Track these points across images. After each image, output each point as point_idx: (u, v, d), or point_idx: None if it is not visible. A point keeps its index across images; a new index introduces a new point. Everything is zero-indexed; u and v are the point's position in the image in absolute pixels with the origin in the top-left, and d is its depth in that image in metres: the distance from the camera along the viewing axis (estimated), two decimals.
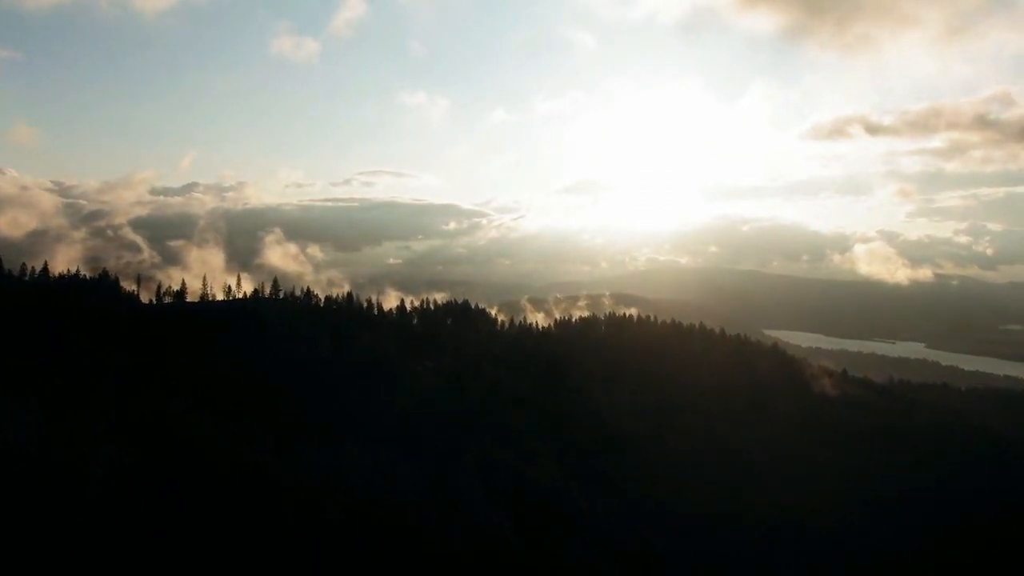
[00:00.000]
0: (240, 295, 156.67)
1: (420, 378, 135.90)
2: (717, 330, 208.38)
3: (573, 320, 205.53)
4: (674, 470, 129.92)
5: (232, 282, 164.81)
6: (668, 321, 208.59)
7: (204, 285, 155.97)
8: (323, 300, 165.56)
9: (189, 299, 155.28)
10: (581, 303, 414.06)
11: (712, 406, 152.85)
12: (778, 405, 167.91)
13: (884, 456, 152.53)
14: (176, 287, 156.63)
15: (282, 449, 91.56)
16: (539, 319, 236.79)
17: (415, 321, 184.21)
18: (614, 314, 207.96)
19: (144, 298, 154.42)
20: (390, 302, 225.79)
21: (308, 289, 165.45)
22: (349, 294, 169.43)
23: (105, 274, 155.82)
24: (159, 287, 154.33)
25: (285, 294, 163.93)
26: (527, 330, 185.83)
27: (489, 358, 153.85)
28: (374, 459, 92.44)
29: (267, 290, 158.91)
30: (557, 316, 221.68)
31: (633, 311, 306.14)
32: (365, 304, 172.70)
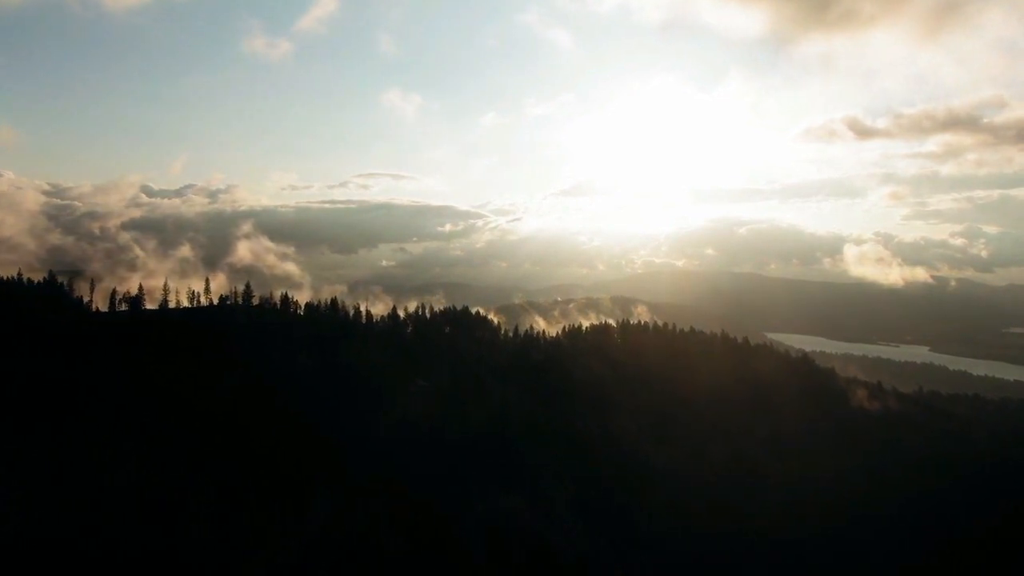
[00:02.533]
0: (206, 301, 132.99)
1: (413, 399, 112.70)
2: (739, 339, 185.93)
3: (583, 328, 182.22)
4: (711, 504, 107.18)
5: (209, 286, 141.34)
6: (686, 329, 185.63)
7: (165, 291, 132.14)
8: (303, 307, 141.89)
9: (150, 306, 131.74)
10: (585, 308, 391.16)
11: (749, 426, 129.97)
12: (819, 423, 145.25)
13: (949, 484, 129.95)
14: (155, 293, 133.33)
15: (227, 506, 68.58)
16: (544, 326, 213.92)
17: (409, 329, 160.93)
18: (628, 322, 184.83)
19: (97, 305, 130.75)
20: (383, 308, 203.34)
21: (286, 294, 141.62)
22: (333, 300, 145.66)
23: (52, 278, 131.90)
24: (113, 293, 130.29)
25: (264, 300, 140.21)
26: (534, 340, 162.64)
27: (493, 373, 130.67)
28: (347, 519, 69.34)
29: (240, 296, 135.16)
30: (564, 324, 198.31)
31: (645, 317, 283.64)
32: (352, 311, 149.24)
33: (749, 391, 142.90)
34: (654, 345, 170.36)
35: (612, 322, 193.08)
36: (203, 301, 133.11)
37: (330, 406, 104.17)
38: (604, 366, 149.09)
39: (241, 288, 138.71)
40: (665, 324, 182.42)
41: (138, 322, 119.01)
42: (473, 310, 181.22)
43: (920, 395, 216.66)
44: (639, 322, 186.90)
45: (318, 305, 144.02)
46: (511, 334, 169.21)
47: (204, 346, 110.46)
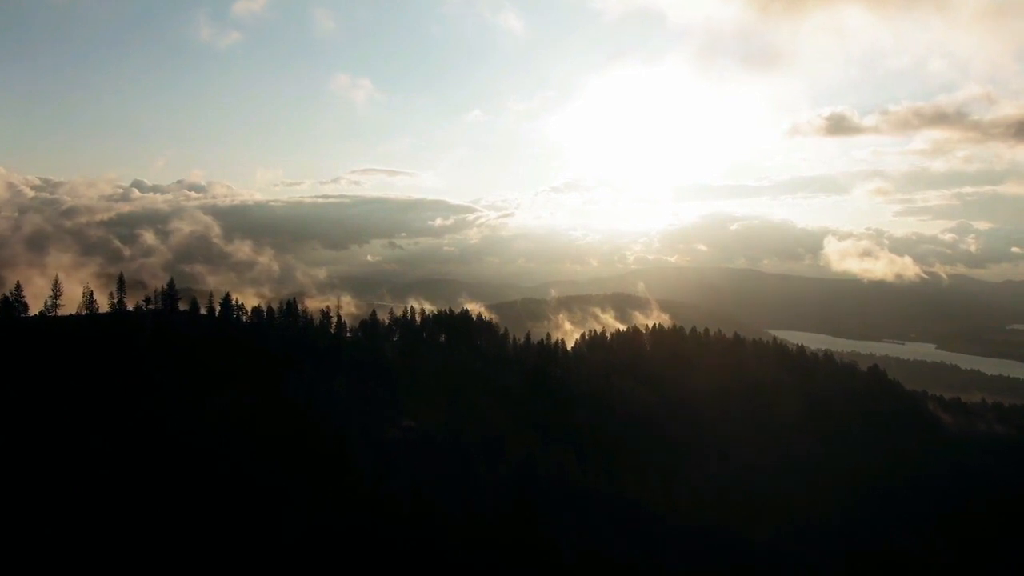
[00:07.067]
0: (110, 306, 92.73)
1: (395, 453, 73.61)
2: (793, 347, 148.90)
3: (606, 335, 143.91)
4: None
5: (124, 285, 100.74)
6: (729, 335, 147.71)
7: (55, 292, 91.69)
8: (250, 312, 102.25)
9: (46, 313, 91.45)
10: (586, 305, 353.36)
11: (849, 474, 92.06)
12: (917, 456, 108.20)
13: None
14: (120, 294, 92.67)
15: None
16: (550, 329, 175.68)
17: (396, 338, 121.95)
18: (659, 327, 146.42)
19: None
20: (367, 309, 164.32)
21: (228, 296, 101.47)
22: (290, 303, 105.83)
23: None
24: None
25: (194, 304, 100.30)
26: (550, 351, 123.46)
27: (505, 406, 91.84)
28: None
29: (157, 298, 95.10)
30: (580, 332, 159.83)
31: (654, 318, 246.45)
32: (320, 317, 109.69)
33: (842, 422, 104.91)
34: (694, 356, 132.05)
35: (638, 326, 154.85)
36: (103, 307, 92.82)
37: (264, 472, 64.87)
38: (645, 388, 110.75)
39: (167, 288, 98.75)
40: (707, 330, 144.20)
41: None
42: (474, 312, 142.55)
43: (986, 407, 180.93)
44: (674, 326, 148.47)
45: (270, 311, 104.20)
46: (519, 340, 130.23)
47: (81, 370, 70.68)
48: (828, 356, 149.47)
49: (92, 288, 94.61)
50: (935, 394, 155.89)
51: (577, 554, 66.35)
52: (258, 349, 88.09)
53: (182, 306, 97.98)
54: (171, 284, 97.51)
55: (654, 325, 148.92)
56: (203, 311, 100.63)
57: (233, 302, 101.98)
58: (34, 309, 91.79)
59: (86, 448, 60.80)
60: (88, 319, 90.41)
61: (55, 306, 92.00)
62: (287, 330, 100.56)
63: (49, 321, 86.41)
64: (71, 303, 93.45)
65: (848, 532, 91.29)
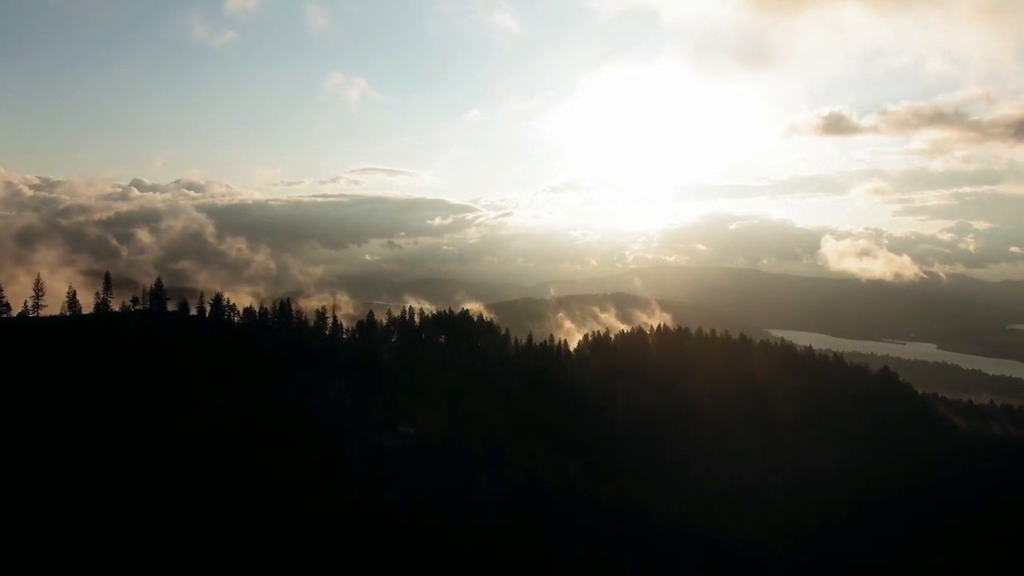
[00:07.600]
0: (95, 306, 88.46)
1: (390, 460, 69.62)
2: (800, 347, 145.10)
3: (609, 336, 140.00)
4: None
5: (110, 284, 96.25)
6: (730, 334, 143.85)
7: (37, 292, 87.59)
8: (242, 313, 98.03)
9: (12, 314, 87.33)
10: (586, 305, 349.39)
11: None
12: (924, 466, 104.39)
13: None
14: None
15: None
16: (557, 333, 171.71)
17: (394, 339, 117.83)
18: (664, 328, 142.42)
19: None
20: (360, 310, 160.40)
21: (219, 296, 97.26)
22: (284, 303, 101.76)
23: None
24: None
25: (183, 305, 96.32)
26: (552, 353, 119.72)
27: (506, 409, 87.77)
28: None
29: (144, 299, 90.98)
30: (581, 332, 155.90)
31: (657, 318, 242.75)
32: (315, 318, 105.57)
33: (853, 426, 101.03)
34: (700, 358, 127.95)
35: (642, 327, 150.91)
36: (90, 307, 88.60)
37: (257, 477, 60.93)
38: (650, 392, 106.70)
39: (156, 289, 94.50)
40: (713, 331, 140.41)
41: None
42: (473, 312, 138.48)
43: (996, 410, 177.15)
44: (679, 327, 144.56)
45: (263, 311, 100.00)
46: (521, 342, 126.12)
47: (61, 373, 66.57)
48: (838, 358, 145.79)
49: (78, 287, 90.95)
50: (944, 396, 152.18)
51: (580, 561, 62.56)
52: (251, 350, 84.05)
53: (171, 306, 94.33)
54: (159, 283, 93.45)
55: (658, 326, 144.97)
56: (193, 311, 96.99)
57: (224, 302, 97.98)
58: (20, 309, 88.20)
59: (83, 451, 56.97)
60: (71, 320, 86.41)
61: (37, 306, 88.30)
62: (281, 331, 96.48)
63: (29, 322, 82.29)
64: (60, 303, 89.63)
65: (860, 538, 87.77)
